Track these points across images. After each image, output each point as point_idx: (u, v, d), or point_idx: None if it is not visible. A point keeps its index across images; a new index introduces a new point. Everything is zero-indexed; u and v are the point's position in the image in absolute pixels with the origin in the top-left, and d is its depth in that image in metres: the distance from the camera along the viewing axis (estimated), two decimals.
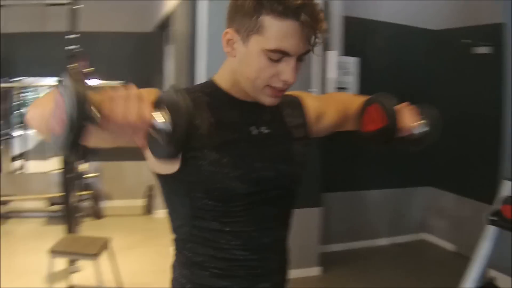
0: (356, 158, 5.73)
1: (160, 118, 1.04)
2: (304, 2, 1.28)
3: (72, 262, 4.82)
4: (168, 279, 1.60)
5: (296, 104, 1.66)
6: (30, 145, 7.88)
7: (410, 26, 5.85)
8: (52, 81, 6.92)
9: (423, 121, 1.62)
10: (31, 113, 1.20)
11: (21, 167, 8.05)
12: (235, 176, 1.40)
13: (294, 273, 4.99)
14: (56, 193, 6.49)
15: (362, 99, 1.74)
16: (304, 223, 5.02)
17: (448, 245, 5.97)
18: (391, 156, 5.79)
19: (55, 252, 4.04)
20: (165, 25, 6.64)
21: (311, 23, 1.29)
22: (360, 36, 5.52)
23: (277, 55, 1.31)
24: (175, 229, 1.56)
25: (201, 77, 4.61)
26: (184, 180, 1.42)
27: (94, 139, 1.28)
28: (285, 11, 1.26)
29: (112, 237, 4.47)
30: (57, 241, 4.24)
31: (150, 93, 1.39)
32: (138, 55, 7.75)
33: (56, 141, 0.99)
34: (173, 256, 1.59)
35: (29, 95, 7.79)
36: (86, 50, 6.62)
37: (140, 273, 4.65)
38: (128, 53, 7.75)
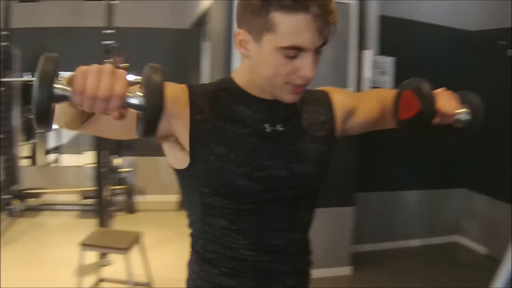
0: (390, 158, 5.67)
1: (134, 94, 1.02)
2: None
3: (103, 255, 4.84)
4: None
5: (322, 100, 1.58)
6: (65, 139, 7.95)
7: (446, 26, 5.77)
8: None
9: (464, 109, 1.50)
10: None
11: (55, 161, 8.12)
12: (242, 172, 1.37)
13: (325, 272, 5.01)
14: (90, 187, 6.52)
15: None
16: (336, 222, 4.99)
17: (480, 248, 5.88)
18: (425, 157, 5.76)
19: (86, 245, 4.04)
20: (202, 22, 6.63)
21: (322, 14, 1.23)
22: (396, 36, 5.44)
23: (293, 52, 1.26)
24: (190, 224, 1.55)
25: None
26: (194, 175, 1.41)
27: (106, 129, 1.25)
28: (294, 5, 1.21)
29: (145, 231, 4.46)
30: (88, 234, 4.24)
31: (174, 88, 1.39)
32: (175, 51, 7.77)
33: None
34: (189, 252, 1.58)
35: None
36: (123, 45, 6.68)
37: (171, 268, 4.63)
38: (165, 49, 7.77)
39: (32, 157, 7.74)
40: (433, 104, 1.41)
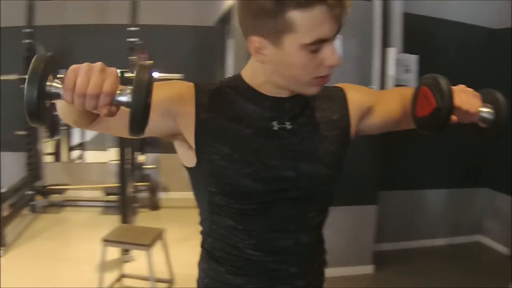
0: (413, 157, 5.63)
1: (123, 92, 1.03)
2: None
3: (125, 251, 4.86)
4: None
5: (337, 98, 1.54)
6: (89, 135, 7.99)
7: (471, 24, 5.70)
8: None
9: (487, 107, 1.42)
10: None
11: (79, 157, 8.17)
12: (246, 173, 1.36)
13: (347, 271, 5.00)
14: (114, 183, 6.56)
15: None
16: (359, 221, 4.97)
17: (503, 248, 5.80)
18: (448, 156, 5.71)
19: (108, 241, 4.06)
20: (226, 19, 6.62)
21: (338, 1, 1.22)
22: (420, 33, 5.40)
23: (317, 46, 1.24)
24: (200, 222, 1.55)
25: None
26: (201, 174, 1.41)
27: (115, 127, 1.26)
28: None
29: (167, 228, 4.48)
30: (111, 230, 4.26)
31: (181, 86, 1.41)
32: (200, 49, 7.77)
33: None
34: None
35: None
36: (148, 43, 6.70)
37: (193, 265, 4.59)
38: (189, 46, 7.78)
39: (56, 154, 7.79)
40: (451, 101, 1.34)
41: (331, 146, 1.45)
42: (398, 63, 4.83)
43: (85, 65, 1.00)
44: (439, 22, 5.54)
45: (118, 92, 1.02)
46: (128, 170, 5.69)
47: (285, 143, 1.40)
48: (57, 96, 1.01)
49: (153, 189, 7.31)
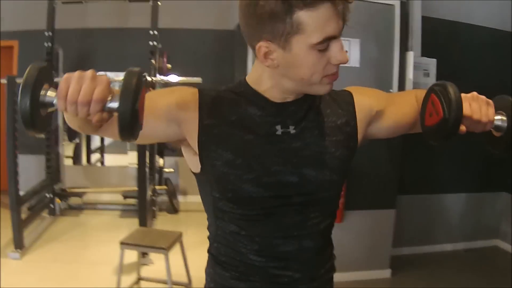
0: (431, 161, 5.60)
1: (113, 98, 1.04)
2: None
3: (143, 254, 4.87)
4: None
5: (344, 102, 1.51)
6: (108, 139, 8.04)
7: (490, 27, 5.65)
8: None
9: (499, 115, 1.35)
10: None
11: (99, 160, 8.22)
12: (248, 178, 1.35)
13: (365, 275, 4.99)
14: (133, 186, 6.58)
15: None
16: (377, 225, 4.95)
17: None
18: (466, 160, 5.69)
19: (126, 244, 4.07)
20: None
21: None
22: (440, 37, 5.37)
23: (325, 44, 1.24)
24: (208, 227, 1.55)
25: None
26: (205, 179, 1.42)
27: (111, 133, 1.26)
28: None
29: (186, 232, 4.48)
30: (129, 233, 4.27)
31: (185, 92, 1.41)
32: (220, 53, 7.80)
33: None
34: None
35: None
36: (169, 46, 6.72)
37: None
38: (210, 50, 7.82)
39: (76, 157, 7.84)
40: (459, 111, 1.28)
41: (336, 151, 1.43)
42: (417, 67, 4.81)
43: (76, 73, 1.02)
44: (458, 26, 5.52)
45: (109, 98, 1.03)
46: (147, 174, 5.71)
47: (289, 148, 1.39)
48: (52, 104, 1.04)
49: (172, 192, 7.32)
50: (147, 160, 5.83)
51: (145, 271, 4.74)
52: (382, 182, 4.81)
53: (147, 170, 5.68)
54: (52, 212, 6.65)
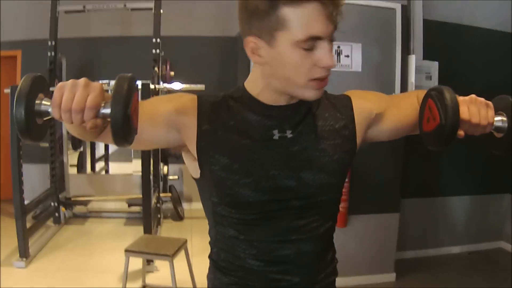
0: (434, 164, 5.60)
1: (106, 105, 1.05)
2: None
3: (148, 262, 4.87)
4: None
5: (342, 106, 1.50)
6: (113, 147, 8.06)
7: (492, 29, 5.65)
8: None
9: (499, 116, 1.34)
10: None
11: (104, 169, 8.24)
12: (246, 183, 1.36)
13: (369, 279, 4.99)
14: (137, 194, 6.59)
15: None
16: (381, 229, 4.94)
17: None
18: (468, 162, 5.69)
19: (131, 251, 4.08)
20: None
21: (330, 0, 1.22)
22: (441, 40, 5.37)
23: (310, 43, 1.24)
24: (208, 232, 1.57)
25: None
26: (205, 184, 1.43)
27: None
28: None
29: (191, 238, 4.49)
30: (134, 241, 4.28)
31: (184, 99, 1.42)
32: (223, 59, 7.83)
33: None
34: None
35: None
36: (172, 54, 6.74)
37: None
38: (213, 57, 7.84)
39: (80, 165, 7.85)
40: (455, 117, 1.26)
41: (334, 155, 1.43)
42: (419, 70, 4.82)
43: (70, 81, 1.03)
44: (459, 28, 5.52)
45: (103, 105, 1.04)
46: (151, 181, 5.71)
47: (286, 152, 1.39)
48: (47, 113, 1.05)
49: (176, 199, 7.32)
50: (152, 167, 5.83)
51: (150, 278, 4.75)
52: (386, 186, 4.82)
53: (151, 177, 5.69)
54: (57, 221, 6.65)
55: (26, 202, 5.42)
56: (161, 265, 4.91)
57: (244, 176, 1.35)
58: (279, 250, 1.41)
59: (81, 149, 7.79)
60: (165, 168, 7.23)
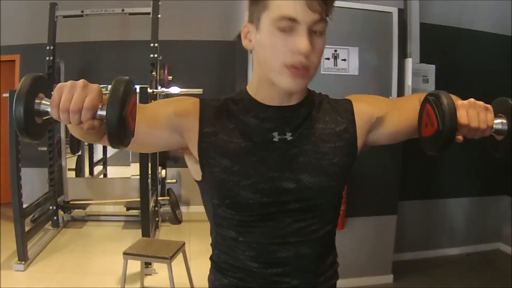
0: (432, 166, 5.61)
1: (103, 107, 1.05)
2: None
3: (146, 264, 4.88)
4: None
5: (343, 109, 1.50)
6: (111, 151, 8.07)
7: (488, 32, 5.67)
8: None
9: (499, 119, 1.33)
10: None
11: (102, 173, 8.25)
12: (246, 185, 1.36)
13: (367, 281, 5.00)
14: (135, 198, 6.60)
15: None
16: (379, 231, 4.97)
17: None
18: (467, 164, 5.71)
19: (129, 254, 4.09)
20: None
21: None
22: (438, 43, 5.39)
23: (286, 22, 1.25)
24: (210, 234, 1.57)
25: None
26: (206, 186, 1.44)
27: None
28: None
29: (189, 241, 4.50)
30: (132, 244, 4.29)
31: (187, 102, 1.44)
32: (221, 64, 7.84)
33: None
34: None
35: None
36: (170, 58, 6.75)
37: None
38: (211, 61, 7.85)
39: (79, 169, 7.86)
40: (453, 122, 1.25)
41: (334, 158, 1.43)
42: (416, 73, 4.83)
43: (69, 82, 1.04)
44: (456, 31, 5.54)
45: (100, 106, 1.05)
46: (149, 185, 5.73)
47: (286, 155, 1.40)
48: (47, 113, 1.06)
49: (174, 203, 7.33)
50: (150, 171, 5.85)
51: (149, 281, 4.76)
52: (383, 188, 4.83)
53: (149, 181, 5.70)
54: (56, 224, 6.65)
55: (24, 205, 5.43)
56: (159, 267, 4.92)
57: (244, 178, 1.36)
58: (278, 252, 1.41)
59: (80, 153, 7.80)
60: (163, 171, 7.22)
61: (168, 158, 7.29)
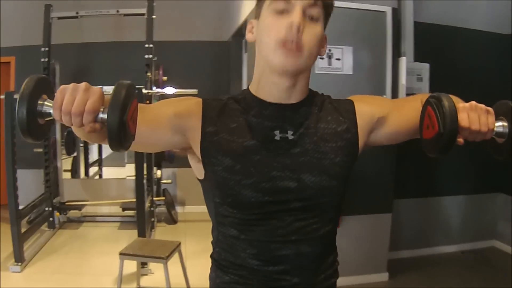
0: (426, 165, 5.58)
1: (104, 110, 1.06)
2: None
3: (143, 265, 4.89)
4: None
5: (345, 110, 1.51)
6: (107, 152, 8.07)
7: (483, 30, 5.68)
8: None
9: (499, 122, 1.33)
10: None
11: (97, 174, 8.25)
12: (247, 183, 1.37)
13: (362, 279, 5.00)
14: (131, 198, 6.60)
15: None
16: (374, 229, 4.98)
17: None
18: (461, 162, 5.71)
19: (125, 254, 4.10)
20: (241, 33, 6.66)
21: None
22: (432, 42, 5.40)
23: (281, 4, 1.32)
24: (211, 232, 1.58)
25: None
26: (208, 185, 1.45)
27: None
28: None
29: (185, 241, 4.50)
30: (128, 244, 4.30)
31: (190, 102, 1.46)
32: (216, 64, 7.87)
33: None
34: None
35: None
36: (165, 59, 6.75)
37: None
38: (206, 61, 7.86)
39: (74, 170, 7.86)
40: (454, 125, 1.26)
41: (335, 157, 1.44)
42: (410, 72, 4.85)
43: (71, 85, 1.05)
44: (450, 30, 5.55)
45: (101, 110, 1.06)
46: (145, 185, 5.73)
47: (287, 154, 1.41)
48: (49, 114, 1.07)
49: (170, 203, 7.34)
50: (145, 172, 5.85)
51: (145, 281, 4.77)
52: (378, 186, 4.85)
53: (145, 182, 5.70)
54: (52, 225, 6.65)
55: (20, 207, 5.43)
56: (155, 267, 4.93)
57: (245, 177, 1.37)
58: (279, 250, 1.42)
59: (75, 154, 7.79)
60: (159, 172, 7.22)
61: (164, 158, 7.29)
